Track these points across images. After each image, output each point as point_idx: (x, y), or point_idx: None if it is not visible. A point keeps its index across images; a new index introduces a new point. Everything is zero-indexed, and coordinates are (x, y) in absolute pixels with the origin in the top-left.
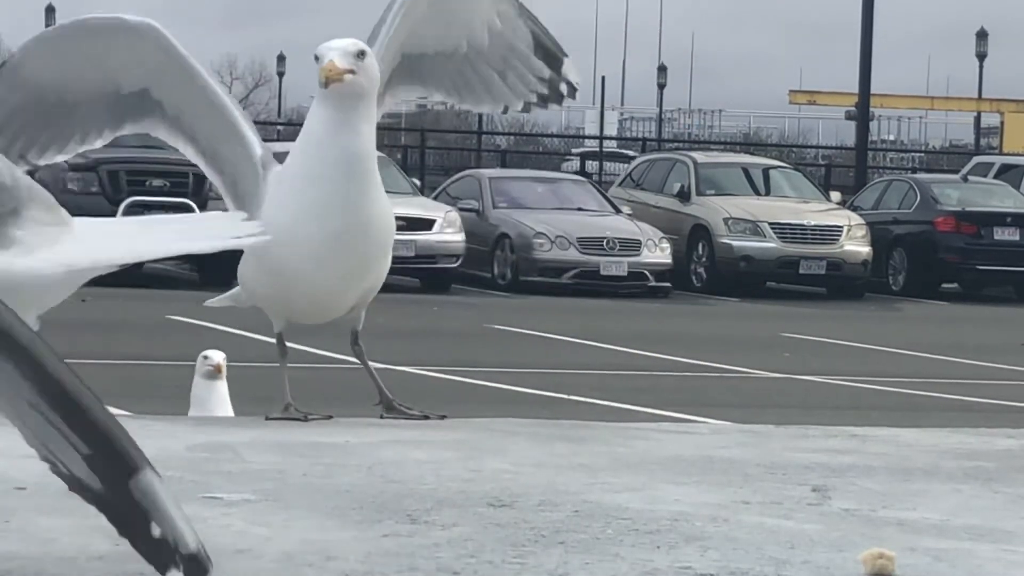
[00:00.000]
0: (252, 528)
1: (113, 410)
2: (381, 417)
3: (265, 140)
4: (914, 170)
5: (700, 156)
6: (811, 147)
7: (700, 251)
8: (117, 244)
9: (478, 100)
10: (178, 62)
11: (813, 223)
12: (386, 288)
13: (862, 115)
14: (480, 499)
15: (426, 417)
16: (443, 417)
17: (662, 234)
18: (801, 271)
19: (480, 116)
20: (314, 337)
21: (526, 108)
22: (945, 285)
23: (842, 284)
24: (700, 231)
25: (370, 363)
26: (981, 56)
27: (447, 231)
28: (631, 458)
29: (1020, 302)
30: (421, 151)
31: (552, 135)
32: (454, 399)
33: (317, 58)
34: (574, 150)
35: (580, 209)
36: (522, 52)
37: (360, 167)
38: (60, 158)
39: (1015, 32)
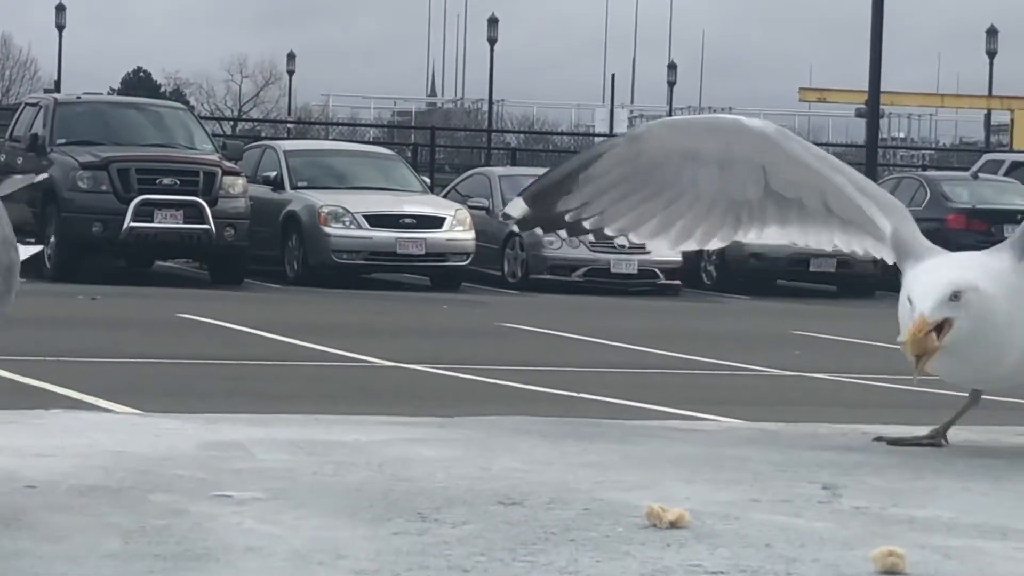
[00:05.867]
0: (262, 526)
1: (123, 408)
2: (885, 441)
3: (275, 138)
4: (924, 167)
5: None
6: (821, 144)
7: (710, 249)
8: None
9: None
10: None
11: None
12: (396, 287)
13: (872, 113)
14: (490, 497)
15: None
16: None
17: None
18: (811, 269)
19: (490, 113)
20: (318, 336)
21: None
22: None
23: (852, 282)
24: None
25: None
26: (991, 53)
27: (457, 229)
28: (641, 456)
29: None
30: (431, 149)
31: (562, 133)
32: (464, 397)
33: None
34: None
35: None
36: None
37: None
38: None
39: None
